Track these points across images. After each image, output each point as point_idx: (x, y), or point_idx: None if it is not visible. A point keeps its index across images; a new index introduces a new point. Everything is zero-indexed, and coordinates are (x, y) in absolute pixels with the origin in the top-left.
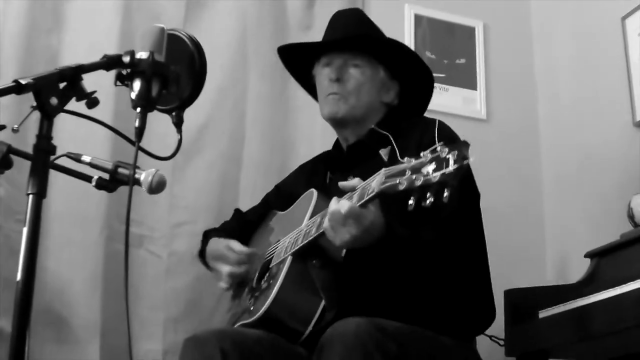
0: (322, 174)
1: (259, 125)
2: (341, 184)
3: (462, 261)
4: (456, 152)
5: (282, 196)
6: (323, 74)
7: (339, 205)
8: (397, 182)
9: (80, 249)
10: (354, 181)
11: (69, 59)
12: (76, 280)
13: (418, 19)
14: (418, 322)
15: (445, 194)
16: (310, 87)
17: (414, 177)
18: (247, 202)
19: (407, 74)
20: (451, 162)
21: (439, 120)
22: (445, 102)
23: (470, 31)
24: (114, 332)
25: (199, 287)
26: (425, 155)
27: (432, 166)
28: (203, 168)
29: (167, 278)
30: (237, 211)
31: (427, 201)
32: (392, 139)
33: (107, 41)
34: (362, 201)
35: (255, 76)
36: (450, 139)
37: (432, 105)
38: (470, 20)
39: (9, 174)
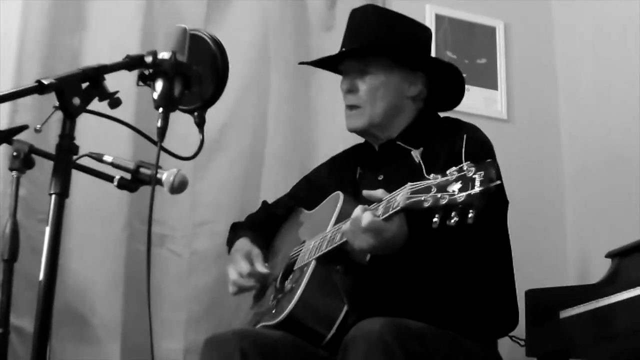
0: (353, 169)
1: (281, 124)
2: (366, 193)
3: (486, 267)
4: (483, 173)
5: (313, 190)
6: (341, 85)
7: (361, 215)
8: (422, 199)
9: (101, 248)
10: (379, 192)
11: (91, 59)
12: (97, 280)
13: (439, 19)
14: (441, 324)
15: (470, 215)
16: None
17: (439, 195)
18: (269, 201)
19: (429, 63)
20: (477, 183)
21: (469, 129)
22: (466, 102)
23: (491, 31)
24: (135, 332)
25: (220, 287)
26: (452, 173)
27: (458, 185)
28: (225, 167)
29: (188, 277)
30: (265, 203)
31: (452, 220)
32: (419, 155)
33: (129, 40)
34: (386, 215)
35: (277, 75)
36: (478, 153)
37: None
38: (491, 20)
39: (31, 174)
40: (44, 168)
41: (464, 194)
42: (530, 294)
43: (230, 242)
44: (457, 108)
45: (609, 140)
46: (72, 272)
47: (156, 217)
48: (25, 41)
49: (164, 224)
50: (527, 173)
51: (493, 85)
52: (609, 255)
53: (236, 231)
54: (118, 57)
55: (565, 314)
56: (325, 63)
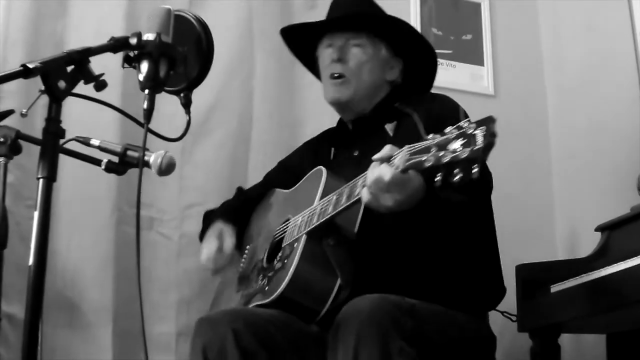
0: (326, 150)
1: (267, 104)
2: (376, 157)
3: (473, 238)
4: (484, 127)
5: (287, 173)
6: (325, 55)
7: (381, 171)
8: (424, 159)
9: (90, 232)
10: (387, 149)
11: (75, 44)
12: (87, 265)
13: None
14: (432, 297)
15: (475, 169)
16: (316, 70)
17: (440, 153)
18: (257, 181)
19: (410, 50)
20: (480, 138)
21: (440, 96)
22: (452, 78)
23: (476, 7)
24: (126, 316)
25: None
26: (451, 131)
27: (460, 142)
28: (212, 148)
29: (178, 260)
30: (239, 189)
31: (456, 177)
32: (393, 129)
33: (113, 24)
34: (402, 168)
35: (262, 55)
36: (454, 115)
37: (439, 82)
38: None
39: (18, 160)
40: (31, 154)
41: (468, 149)
42: (521, 269)
43: (203, 232)
44: (444, 84)
45: (596, 113)
46: (62, 257)
47: (144, 200)
48: (8, 28)
49: (153, 207)
50: (514, 148)
51: (479, 62)
52: (598, 229)
53: (209, 217)
54: (102, 41)
55: (556, 288)
56: (309, 36)
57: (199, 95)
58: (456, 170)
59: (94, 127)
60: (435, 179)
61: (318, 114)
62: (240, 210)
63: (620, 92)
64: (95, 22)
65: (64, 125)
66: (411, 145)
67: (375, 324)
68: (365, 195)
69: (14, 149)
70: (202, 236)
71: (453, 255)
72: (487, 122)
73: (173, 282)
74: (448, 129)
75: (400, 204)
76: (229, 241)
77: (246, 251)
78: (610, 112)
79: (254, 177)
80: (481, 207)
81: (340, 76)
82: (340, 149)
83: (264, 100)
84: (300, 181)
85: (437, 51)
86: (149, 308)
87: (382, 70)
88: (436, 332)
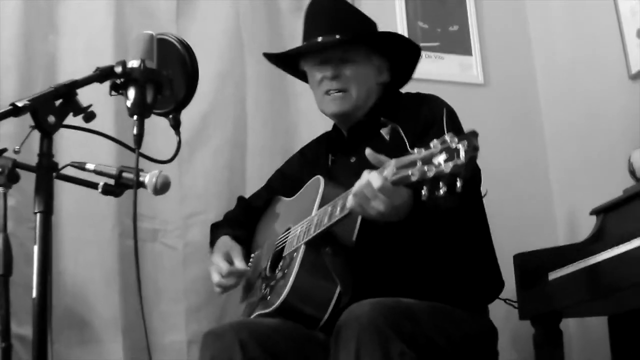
0: (324, 157)
1: (261, 110)
2: (369, 152)
3: (469, 234)
4: (466, 142)
5: (287, 181)
6: (316, 71)
7: (370, 177)
8: (409, 173)
9: (94, 248)
10: (382, 157)
11: (67, 63)
12: (94, 280)
13: None
14: (430, 296)
15: (458, 184)
16: (299, 74)
17: (425, 168)
18: (255, 187)
19: (395, 50)
20: (462, 153)
21: (431, 99)
22: (441, 70)
23: None
24: (135, 328)
25: None
26: (435, 145)
27: (443, 156)
28: (209, 157)
29: (184, 269)
30: (241, 199)
31: (440, 191)
32: (388, 133)
33: (103, 41)
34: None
35: (252, 62)
36: (444, 120)
37: (428, 74)
38: None
39: (18, 184)
40: (30, 177)
41: (451, 163)
42: (518, 258)
43: (212, 244)
44: (433, 76)
45: (587, 97)
46: (69, 275)
47: (146, 212)
48: (0, 55)
49: (155, 218)
50: (508, 136)
51: (467, 52)
52: (593, 212)
53: (216, 231)
54: (93, 59)
55: (554, 275)
56: (293, 55)
57: (192, 104)
58: (441, 184)
59: (90, 148)
60: (422, 193)
61: (312, 118)
62: (245, 223)
63: (608, 74)
64: (85, 39)
65: (60, 149)
66: (398, 159)
67: (375, 328)
68: (350, 201)
69: (11, 178)
70: (211, 247)
71: (449, 253)
72: (470, 137)
73: (181, 291)
74: (433, 143)
75: (385, 215)
76: (238, 262)
77: (251, 260)
78: (600, 94)
79: (252, 183)
80: (472, 206)
81: (339, 90)
82: (337, 155)
83: (257, 106)
84: (301, 190)
85: (424, 44)
86: (158, 318)
87: (374, 77)
88: (435, 332)
